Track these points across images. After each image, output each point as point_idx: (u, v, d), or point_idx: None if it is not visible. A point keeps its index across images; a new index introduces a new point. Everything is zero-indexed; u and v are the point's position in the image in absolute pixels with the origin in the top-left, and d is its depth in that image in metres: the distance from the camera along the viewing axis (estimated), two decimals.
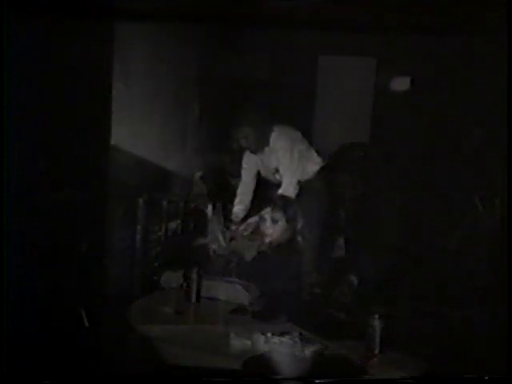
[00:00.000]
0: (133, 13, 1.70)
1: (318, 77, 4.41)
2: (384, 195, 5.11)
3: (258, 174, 3.04)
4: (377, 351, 1.96)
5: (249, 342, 2.28)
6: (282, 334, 2.24)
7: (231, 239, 2.89)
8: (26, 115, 1.24)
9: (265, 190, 2.72)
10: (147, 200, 1.97)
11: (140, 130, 1.90)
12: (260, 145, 2.81)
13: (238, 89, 4.28)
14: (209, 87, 3.33)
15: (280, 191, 2.65)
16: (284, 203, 2.35)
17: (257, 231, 2.49)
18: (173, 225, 2.49)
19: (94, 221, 1.49)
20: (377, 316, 2.00)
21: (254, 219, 2.80)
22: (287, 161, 2.76)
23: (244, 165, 3.05)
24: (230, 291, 2.36)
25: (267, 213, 2.34)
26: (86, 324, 2.63)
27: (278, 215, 2.32)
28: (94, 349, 1.54)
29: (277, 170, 2.84)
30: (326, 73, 4.31)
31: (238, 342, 2.33)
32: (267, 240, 2.34)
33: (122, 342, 1.87)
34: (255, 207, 2.87)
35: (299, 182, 2.77)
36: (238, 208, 2.99)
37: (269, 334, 2.24)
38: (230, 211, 3.01)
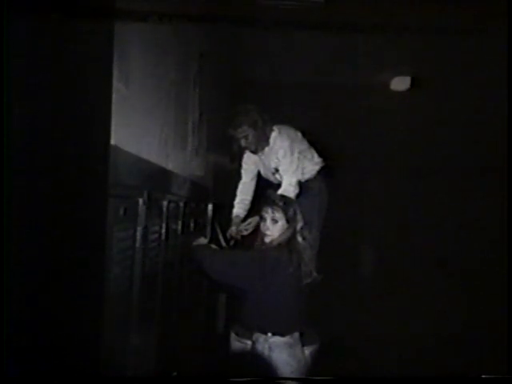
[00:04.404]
0: (133, 13, 1.70)
1: (318, 77, 4.42)
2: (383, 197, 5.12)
3: (258, 173, 3.04)
4: None
5: (249, 342, 2.28)
6: (282, 334, 2.24)
7: (231, 239, 2.90)
8: (25, 115, 1.24)
9: (265, 190, 2.72)
10: (147, 200, 1.97)
11: (140, 130, 1.90)
12: (260, 145, 2.81)
13: (238, 89, 4.28)
14: (209, 87, 3.34)
15: (280, 191, 2.65)
16: (284, 203, 2.35)
17: (257, 231, 2.49)
18: (173, 225, 2.49)
19: (93, 221, 1.49)
20: None
21: (254, 219, 2.80)
22: (287, 161, 2.76)
23: (244, 165, 3.05)
24: None
25: (267, 213, 2.33)
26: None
27: (278, 215, 2.32)
28: (94, 349, 1.54)
29: (277, 170, 2.84)
30: (326, 73, 4.32)
31: (238, 342, 2.34)
32: (267, 240, 2.34)
33: (122, 342, 1.87)
34: (255, 207, 2.87)
35: (299, 182, 2.78)
36: (238, 208, 2.99)
37: (269, 334, 2.24)
38: (230, 211, 3.02)
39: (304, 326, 2.33)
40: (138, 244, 1.94)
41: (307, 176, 2.89)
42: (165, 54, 2.23)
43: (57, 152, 1.33)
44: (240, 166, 3.08)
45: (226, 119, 2.94)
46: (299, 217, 2.35)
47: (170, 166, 2.38)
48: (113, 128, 1.52)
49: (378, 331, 4.16)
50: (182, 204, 2.65)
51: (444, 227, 5.05)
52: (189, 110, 2.85)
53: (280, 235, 2.32)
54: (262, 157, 2.89)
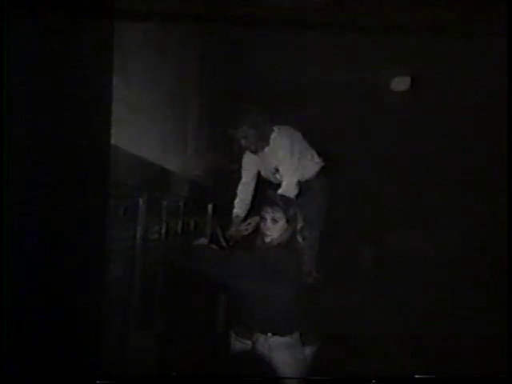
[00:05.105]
0: (133, 13, 1.71)
1: (318, 77, 4.42)
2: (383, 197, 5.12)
3: (258, 173, 3.05)
4: None
5: (249, 342, 2.28)
6: (282, 334, 2.24)
7: (231, 239, 2.90)
8: (25, 115, 1.24)
9: (265, 190, 2.72)
10: (147, 200, 1.97)
11: (140, 129, 1.90)
12: (260, 145, 2.81)
13: (239, 89, 4.28)
14: (209, 87, 3.34)
15: (280, 191, 2.65)
16: (284, 203, 2.36)
17: (257, 231, 2.49)
18: (173, 225, 2.49)
19: (93, 221, 1.49)
20: None
21: (253, 219, 2.80)
22: (287, 161, 2.76)
23: (244, 165, 3.05)
24: None
25: (267, 213, 2.34)
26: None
27: (278, 215, 2.32)
28: (94, 349, 1.54)
29: (277, 170, 2.85)
30: (326, 73, 4.32)
31: (238, 342, 2.34)
32: (267, 240, 2.34)
33: (122, 342, 1.87)
34: (255, 207, 2.87)
35: (299, 182, 2.78)
36: (238, 208, 2.99)
37: (269, 334, 2.24)
38: (230, 211, 3.02)
39: (304, 325, 2.33)
40: (138, 244, 1.94)
41: (307, 176, 2.89)
42: (165, 54, 2.23)
43: (57, 152, 1.33)
44: (240, 166, 3.08)
45: (225, 119, 2.94)
46: (299, 217, 2.35)
47: (169, 166, 2.38)
48: (113, 128, 1.52)
49: (377, 331, 4.16)
50: (182, 204, 2.65)
51: (444, 227, 5.05)
52: (189, 110, 2.85)
53: (280, 235, 2.32)
54: (262, 157, 2.89)
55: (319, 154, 2.98)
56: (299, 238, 2.31)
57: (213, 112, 3.53)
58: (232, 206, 3.01)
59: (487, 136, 4.33)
